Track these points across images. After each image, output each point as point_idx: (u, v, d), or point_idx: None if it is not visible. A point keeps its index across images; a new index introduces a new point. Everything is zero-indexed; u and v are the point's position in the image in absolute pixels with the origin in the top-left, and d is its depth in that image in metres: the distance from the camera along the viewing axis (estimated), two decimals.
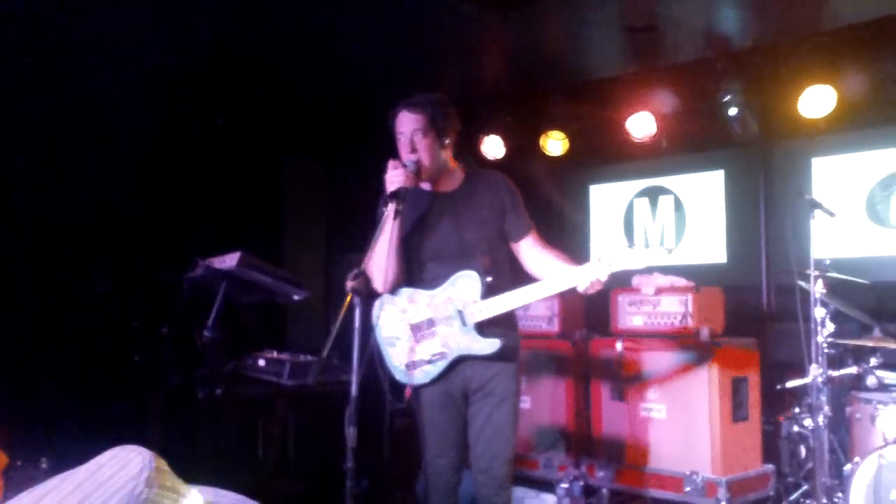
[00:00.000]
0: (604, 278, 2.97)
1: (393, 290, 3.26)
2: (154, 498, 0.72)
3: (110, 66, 5.15)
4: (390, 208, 2.99)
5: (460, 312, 3.14)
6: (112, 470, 0.74)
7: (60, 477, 0.74)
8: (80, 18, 4.63)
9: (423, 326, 3.21)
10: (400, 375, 3.24)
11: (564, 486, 5.28)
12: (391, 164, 3.10)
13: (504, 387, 3.21)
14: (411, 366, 3.21)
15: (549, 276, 3.11)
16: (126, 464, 0.74)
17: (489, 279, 3.13)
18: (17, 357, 4.88)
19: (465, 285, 3.15)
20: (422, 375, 3.21)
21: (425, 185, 3.29)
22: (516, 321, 3.37)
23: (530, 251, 3.26)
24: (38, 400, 4.77)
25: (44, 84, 5.14)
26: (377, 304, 3.25)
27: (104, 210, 5.65)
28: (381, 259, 3.11)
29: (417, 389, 3.24)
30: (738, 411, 4.99)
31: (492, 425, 3.20)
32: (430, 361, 3.19)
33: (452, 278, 3.17)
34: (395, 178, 3.04)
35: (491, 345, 3.12)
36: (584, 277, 2.98)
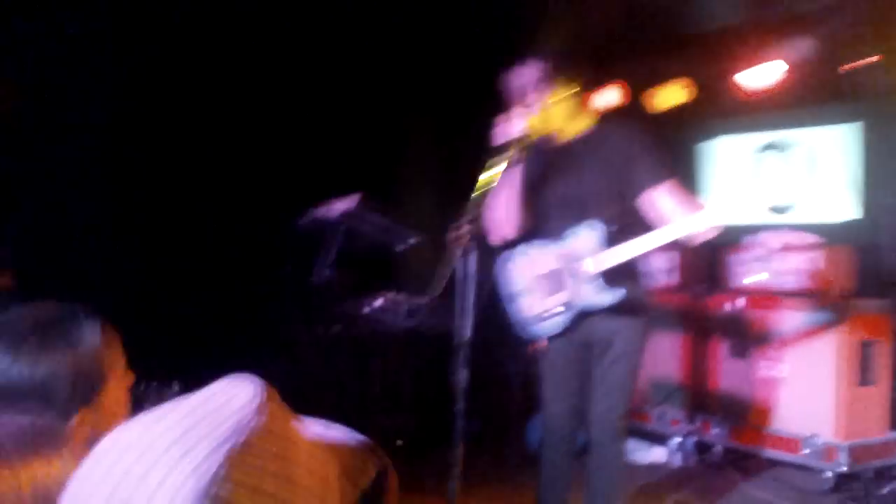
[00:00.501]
0: (719, 222, 2.90)
1: (515, 239, 3.26)
2: (262, 426, 0.74)
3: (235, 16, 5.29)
4: (512, 156, 2.97)
5: (583, 263, 3.11)
6: (225, 397, 0.77)
7: (175, 402, 0.77)
8: None
9: (551, 278, 3.19)
10: (532, 326, 3.26)
11: (677, 440, 5.21)
12: (507, 115, 3.07)
13: (625, 343, 3.18)
14: (540, 317, 3.22)
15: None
16: (238, 392, 0.77)
17: (613, 227, 3.08)
18: (159, 288, 5.15)
19: (588, 235, 3.12)
20: (550, 326, 3.21)
21: (548, 137, 3.25)
22: (641, 275, 3.30)
23: (663, 203, 3.10)
24: (174, 327, 5.03)
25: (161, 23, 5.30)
26: (507, 257, 3.28)
27: (229, 155, 5.85)
28: (503, 207, 3.12)
29: (545, 339, 3.26)
30: (865, 375, 4.78)
31: (609, 380, 3.19)
32: (556, 313, 3.19)
33: (576, 229, 3.14)
34: (510, 128, 3.02)
35: (614, 295, 3.09)
36: (701, 222, 2.92)
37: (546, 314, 3.20)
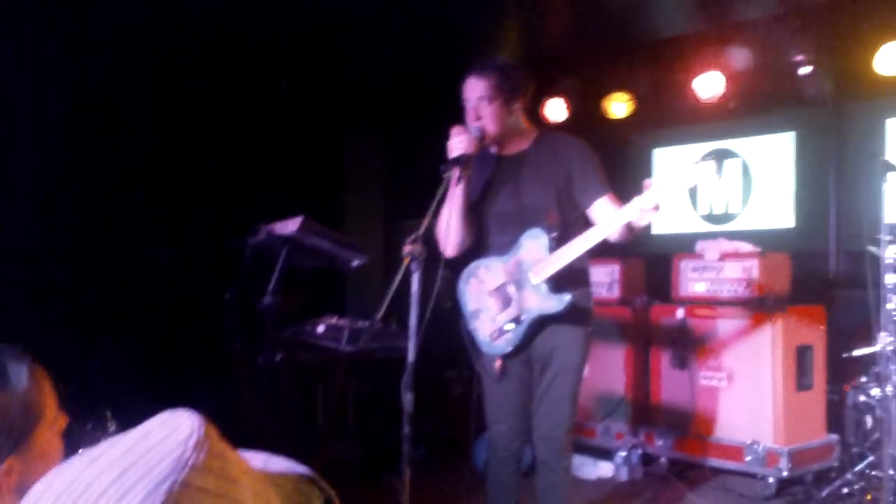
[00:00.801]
0: (651, 203, 2.84)
1: (467, 257, 3.25)
2: (201, 463, 0.71)
3: (176, 33, 5.21)
4: (454, 174, 2.98)
5: (529, 272, 3.11)
6: (161, 434, 0.74)
7: (110, 441, 0.74)
8: None
9: (500, 293, 3.19)
10: (487, 347, 3.24)
11: (622, 454, 5.25)
12: (454, 130, 3.07)
13: (566, 356, 3.17)
14: (494, 335, 3.21)
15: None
16: (175, 428, 0.74)
17: (555, 234, 3.08)
18: (85, 323, 5.01)
19: (531, 244, 3.12)
20: (504, 343, 3.19)
21: (493, 149, 3.26)
22: (588, 279, 3.31)
23: (609, 212, 3.11)
24: (105, 365, 4.89)
25: (96, 38, 5.20)
26: (462, 277, 3.26)
27: (168, 177, 5.74)
28: (444, 224, 3.13)
29: (486, 357, 3.24)
30: (802, 380, 4.89)
31: (551, 395, 3.18)
32: (510, 328, 3.17)
33: (520, 240, 3.14)
34: (458, 144, 3.02)
35: (560, 301, 3.07)
36: (634, 207, 2.88)
37: (501, 331, 3.19)
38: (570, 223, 3.14)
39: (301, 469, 0.91)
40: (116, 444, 0.73)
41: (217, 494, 0.73)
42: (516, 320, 3.15)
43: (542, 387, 3.20)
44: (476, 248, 3.28)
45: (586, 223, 3.18)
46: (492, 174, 3.24)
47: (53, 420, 1.45)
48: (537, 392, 3.22)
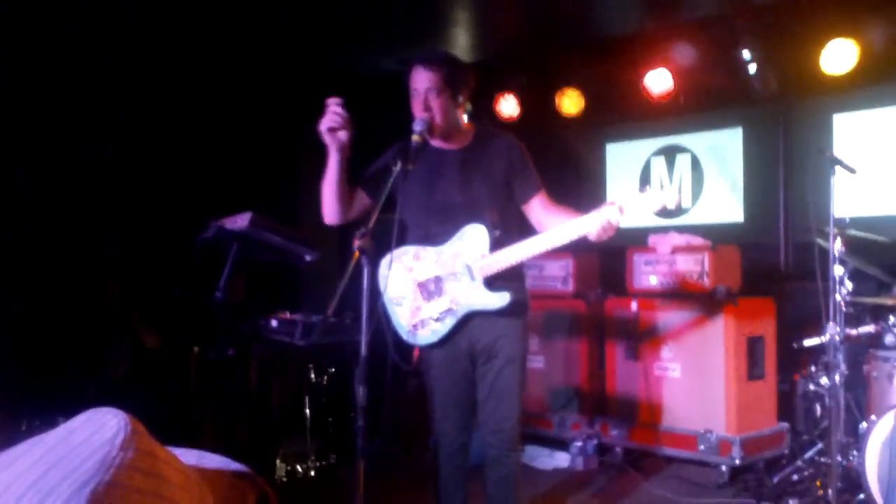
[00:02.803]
0: (614, 221, 2.87)
1: (388, 245, 3.20)
2: (129, 462, 0.69)
3: (123, 32, 5.11)
4: (329, 145, 3.04)
5: (468, 267, 3.10)
6: (85, 434, 0.72)
7: (31, 441, 0.72)
8: None
9: (431, 284, 3.17)
10: (406, 336, 3.22)
11: (578, 444, 5.30)
12: (331, 101, 3.03)
13: (510, 347, 3.17)
14: (418, 325, 3.19)
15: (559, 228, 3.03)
16: (100, 427, 0.72)
17: (497, 232, 3.09)
18: (28, 322, 4.91)
19: (473, 239, 3.11)
20: (429, 335, 3.17)
21: (435, 143, 3.24)
22: (525, 275, 3.32)
23: (539, 212, 3.17)
24: (53, 363, 4.80)
25: (56, 48, 5.11)
26: (383, 263, 3.18)
27: (118, 173, 5.65)
28: (322, 194, 3.17)
29: (424, 350, 3.22)
30: (753, 370, 4.97)
31: (498, 387, 3.17)
32: (437, 319, 3.15)
33: (460, 233, 3.13)
34: (329, 120, 3.01)
35: (501, 298, 3.08)
36: (595, 223, 2.88)
37: (425, 321, 3.17)
38: (507, 220, 3.15)
39: (236, 466, 0.90)
40: (37, 444, 0.71)
41: (147, 492, 0.71)
42: (448, 312, 3.14)
43: (487, 380, 3.18)
44: (405, 234, 3.26)
45: (521, 219, 3.21)
46: (433, 166, 3.22)
47: None
48: (482, 386, 3.20)
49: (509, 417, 3.18)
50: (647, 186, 2.89)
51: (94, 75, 5.45)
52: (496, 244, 3.08)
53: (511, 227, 3.15)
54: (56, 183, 5.36)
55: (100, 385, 4.69)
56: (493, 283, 3.09)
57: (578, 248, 5.90)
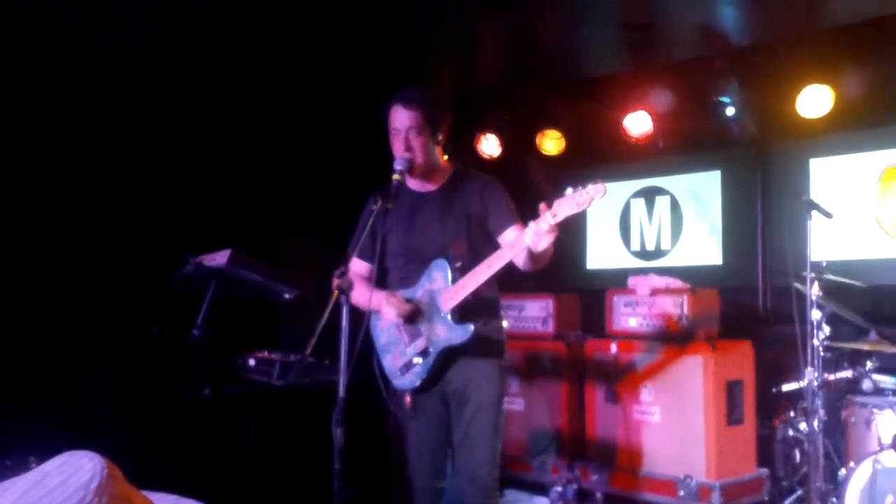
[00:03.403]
0: (546, 227, 2.79)
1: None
2: None
3: (109, 63, 5.11)
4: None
5: (435, 301, 3.09)
6: (60, 477, 0.69)
7: (4, 484, 0.69)
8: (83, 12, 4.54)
9: (408, 326, 3.15)
10: (397, 381, 3.19)
11: (558, 489, 5.25)
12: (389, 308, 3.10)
13: (482, 392, 3.12)
14: (404, 369, 3.16)
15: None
16: (76, 471, 0.70)
17: (458, 264, 3.07)
18: (7, 357, 4.82)
19: (438, 274, 3.11)
20: (412, 377, 3.15)
21: (414, 184, 3.23)
22: (499, 311, 3.29)
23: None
24: (26, 399, 4.71)
25: (40, 76, 5.08)
26: (372, 314, 3.19)
27: (96, 208, 5.59)
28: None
29: (411, 394, 3.18)
30: (732, 414, 4.95)
31: (472, 434, 3.12)
32: (417, 361, 3.13)
33: (428, 271, 3.13)
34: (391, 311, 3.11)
35: (465, 331, 3.03)
36: (529, 232, 2.83)
37: (410, 364, 3.14)
38: (477, 253, 3.09)
39: None
40: (10, 487, 0.68)
41: None
42: (424, 353, 3.11)
43: (461, 426, 3.14)
44: (383, 280, 3.24)
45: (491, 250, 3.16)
46: (411, 209, 3.21)
47: None
48: (456, 432, 3.16)
49: (483, 464, 3.12)
50: (579, 186, 2.85)
51: (83, 109, 5.42)
52: (458, 276, 3.05)
53: (482, 261, 3.06)
54: (35, 214, 5.30)
55: (75, 423, 4.60)
56: (460, 317, 3.05)
57: (559, 289, 5.94)
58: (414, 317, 3.13)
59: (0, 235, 5.08)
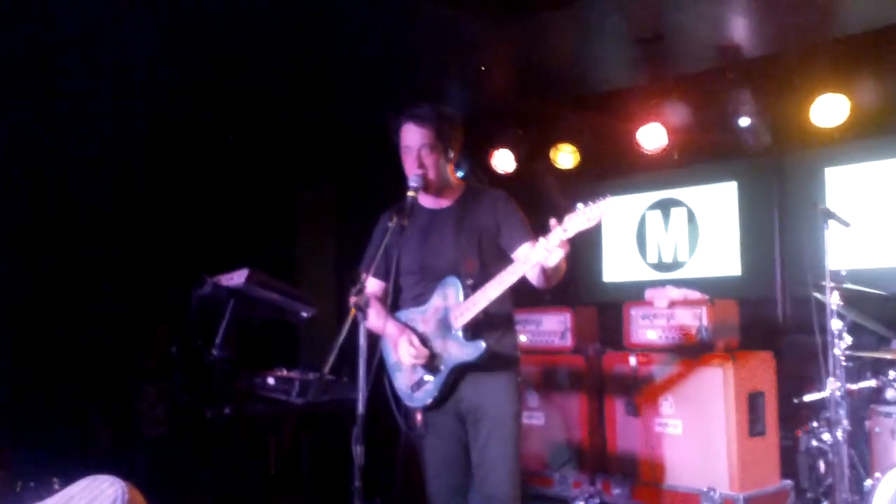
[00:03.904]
0: (556, 242, 2.78)
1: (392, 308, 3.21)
2: None
3: (124, 86, 5.16)
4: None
5: (446, 319, 3.07)
6: (83, 501, 0.70)
7: None
8: (88, 26, 4.58)
9: (421, 343, 3.13)
10: (407, 399, 3.18)
11: (580, 503, 5.21)
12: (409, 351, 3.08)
13: (497, 409, 3.09)
14: (415, 387, 3.15)
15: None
16: (98, 495, 0.71)
17: (470, 281, 3.05)
18: (28, 380, 4.87)
19: (449, 292, 3.09)
20: (423, 395, 3.13)
21: (427, 201, 3.23)
22: (513, 326, 3.26)
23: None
24: (47, 421, 4.74)
25: (54, 97, 5.14)
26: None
27: (115, 228, 5.65)
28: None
29: (423, 412, 3.17)
30: (755, 426, 4.91)
31: (488, 454, 3.08)
32: (428, 379, 3.11)
33: (439, 288, 3.12)
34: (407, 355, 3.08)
35: (476, 347, 3.01)
36: (540, 247, 2.82)
37: (421, 382, 3.13)
38: (489, 270, 3.06)
39: None
40: None
41: None
42: (435, 370, 3.09)
43: (478, 445, 3.10)
44: (397, 298, 3.23)
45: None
46: (424, 227, 3.20)
47: None
48: (473, 450, 3.13)
49: (502, 482, 3.07)
50: (589, 202, 2.85)
51: (100, 131, 5.48)
52: (470, 293, 3.04)
53: (484, 279, 3.05)
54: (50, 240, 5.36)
55: (96, 446, 4.63)
56: (471, 334, 3.04)
57: (577, 303, 5.92)
58: (425, 334, 3.13)
59: (18, 259, 5.14)
